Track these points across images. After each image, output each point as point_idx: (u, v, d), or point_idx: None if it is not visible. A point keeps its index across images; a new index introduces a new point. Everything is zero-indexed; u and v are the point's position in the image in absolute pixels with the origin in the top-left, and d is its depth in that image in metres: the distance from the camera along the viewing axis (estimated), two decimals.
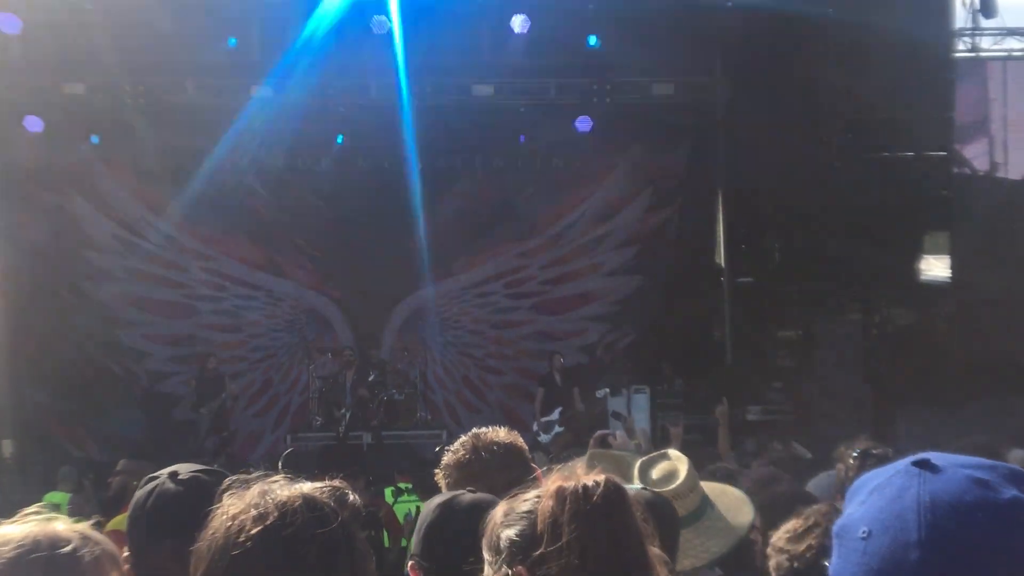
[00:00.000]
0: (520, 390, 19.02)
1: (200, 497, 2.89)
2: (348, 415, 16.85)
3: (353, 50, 16.90)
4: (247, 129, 18.21)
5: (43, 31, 16.09)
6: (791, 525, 3.31)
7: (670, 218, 19.14)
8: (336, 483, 2.12)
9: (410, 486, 11.70)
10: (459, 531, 2.85)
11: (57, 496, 11.10)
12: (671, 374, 17.60)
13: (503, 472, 3.45)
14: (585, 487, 2.22)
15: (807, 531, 3.23)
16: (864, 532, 1.50)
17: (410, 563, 2.95)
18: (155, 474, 3.10)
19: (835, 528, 1.57)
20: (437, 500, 3.06)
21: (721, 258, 18.17)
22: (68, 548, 2.27)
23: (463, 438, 3.64)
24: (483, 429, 3.67)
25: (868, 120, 15.52)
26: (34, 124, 17.28)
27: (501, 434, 3.64)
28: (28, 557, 2.19)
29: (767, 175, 16.88)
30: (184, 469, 3.12)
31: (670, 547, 2.56)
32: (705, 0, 15.79)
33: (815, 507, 3.43)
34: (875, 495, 1.53)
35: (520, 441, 3.67)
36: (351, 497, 2.10)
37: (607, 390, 15.95)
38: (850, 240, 15.10)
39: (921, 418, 13.54)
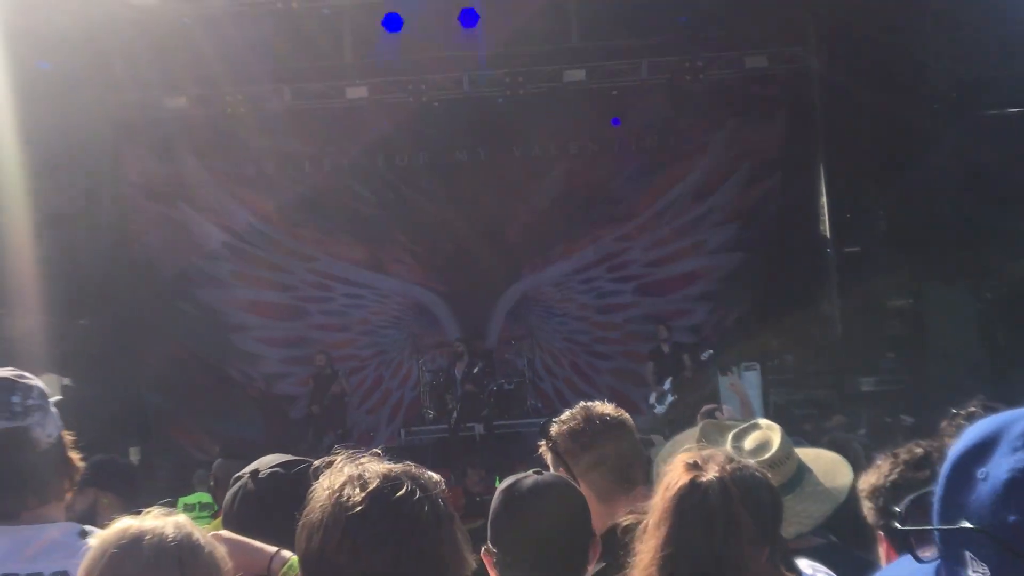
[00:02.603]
0: (629, 373, 18.96)
1: (279, 492, 2.95)
2: (458, 407, 16.99)
3: (443, 43, 17.00)
4: (345, 130, 18.50)
5: (143, 47, 16.50)
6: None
7: (771, 191, 18.89)
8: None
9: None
10: (522, 516, 2.87)
11: (206, 496, 11.33)
12: (780, 349, 17.37)
13: (613, 443, 3.47)
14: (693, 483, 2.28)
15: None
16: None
17: (482, 550, 2.96)
18: (240, 473, 3.16)
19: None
20: (502, 486, 3.05)
21: (826, 228, 17.85)
22: (199, 540, 2.37)
23: (572, 409, 3.64)
24: (592, 402, 3.69)
25: (973, 78, 15.07)
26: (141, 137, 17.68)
27: (609, 408, 3.66)
28: (164, 546, 2.28)
29: (869, 141, 16.52)
30: (265, 464, 3.14)
31: (773, 520, 2.56)
32: None
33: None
34: None
35: (627, 416, 3.67)
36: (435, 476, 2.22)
37: (711, 351, 15.82)
38: (960, 202, 14.70)
39: None
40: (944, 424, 4.20)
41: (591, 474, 3.45)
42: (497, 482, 10.06)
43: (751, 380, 15.83)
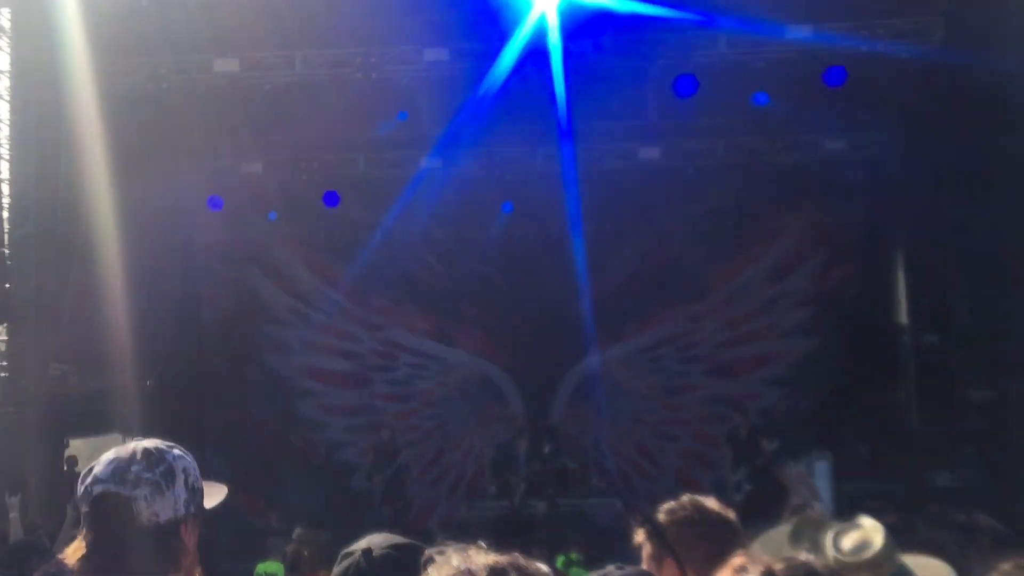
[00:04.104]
0: (697, 455, 18.61)
1: (394, 574, 2.87)
2: (524, 484, 16.75)
3: (519, 116, 17.04)
4: (417, 200, 18.56)
5: (219, 114, 16.74)
6: None
7: (848, 277, 18.56)
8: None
9: (580, 557, 11.49)
10: None
11: (273, 566, 11.25)
12: (854, 439, 16.93)
13: (723, 540, 3.32)
14: None
15: None
16: None
17: None
18: (350, 550, 3.15)
19: None
20: None
21: (904, 316, 17.45)
22: None
23: (681, 499, 3.55)
24: (699, 496, 3.60)
25: None
26: (215, 203, 17.96)
27: (717, 505, 3.58)
28: None
29: (949, 229, 16.19)
30: (377, 545, 3.15)
31: None
32: (876, 55, 15.33)
33: None
34: None
35: (734, 517, 3.51)
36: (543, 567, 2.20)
37: (777, 442, 15.48)
38: None
39: None
40: None
41: (706, 568, 3.28)
42: (559, 563, 9.73)
43: (822, 470, 15.43)
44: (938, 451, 16.27)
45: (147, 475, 2.74)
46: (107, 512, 2.70)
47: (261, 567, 10.54)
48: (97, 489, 2.73)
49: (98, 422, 15.48)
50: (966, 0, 15.02)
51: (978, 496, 13.91)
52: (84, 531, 2.74)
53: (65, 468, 15.31)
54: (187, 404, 17.05)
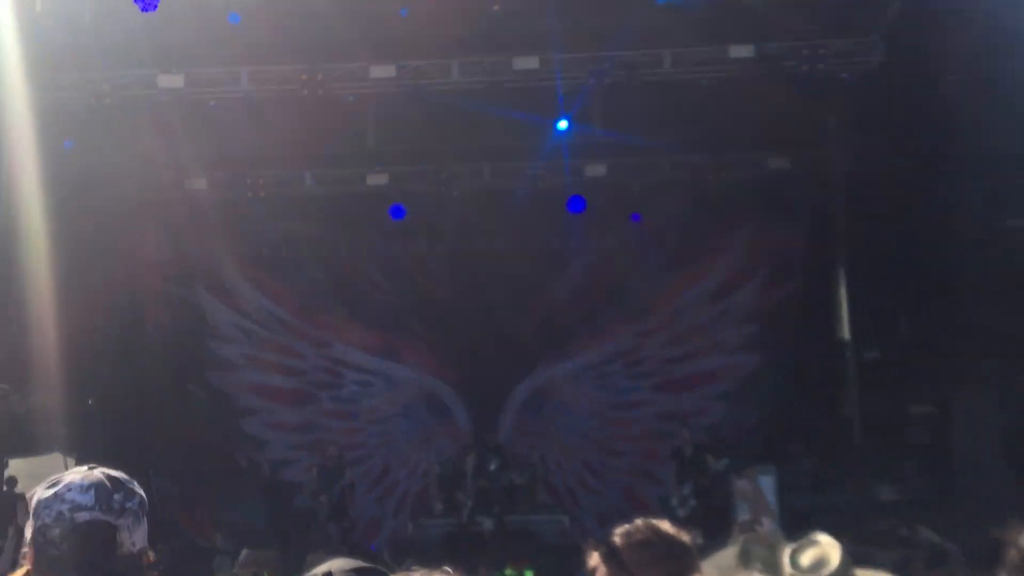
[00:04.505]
0: (643, 471, 18.67)
1: None
2: (471, 502, 16.69)
3: (469, 134, 17.08)
4: (363, 216, 18.52)
5: (167, 129, 16.60)
6: None
7: (792, 293, 18.75)
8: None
9: (515, 573, 11.49)
10: None
11: None
12: (799, 454, 17.08)
13: (679, 563, 3.33)
14: None
15: None
16: None
17: None
18: (313, 573, 3.04)
19: None
20: None
21: (846, 332, 17.66)
22: None
23: (636, 523, 3.53)
24: (653, 519, 3.58)
25: (996, 186, 15.02)
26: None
27: (671, 527, 3.56)
28: None
29: (890, 246, 16.44)
30: (339, 568, 3.09)
31: None
32: (819, 72, 15.56)
33: None
34: None
35: (689, 539, 3.54)
36: None
37: (727, 460, 15.59)
38: (984, 309, 14.53)
39: None
40: (1012, 534, 3.97)
41: None
42: None
43: (767, 485, 15.53)
44: (881, 465, 16.45)
45: (129, 504, 2.79)
46: (94, 540, 2.70)
47: None
48: (82, 516, 2.72)
49: (39, 442, 15.26)
50: (906, 22, 15.27)
51: (921, 509, 14.09)
52: (38, 556, 2.72)
53: (4, 488, 15.05)
54: (129, 422, 16.83)
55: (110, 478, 2.80)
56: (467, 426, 18.86)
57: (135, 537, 2.78)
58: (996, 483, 13.65)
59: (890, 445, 16.46)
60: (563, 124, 16.68)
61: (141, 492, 2.84)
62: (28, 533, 2.80)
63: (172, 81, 15.70)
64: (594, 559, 3.48)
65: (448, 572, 2.13)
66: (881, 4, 15.43)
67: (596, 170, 17.77)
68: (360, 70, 15.87)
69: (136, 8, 11.13)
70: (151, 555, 2.85)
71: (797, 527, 3.94)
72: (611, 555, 3.44)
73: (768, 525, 6.85)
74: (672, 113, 16.61)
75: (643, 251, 19.20)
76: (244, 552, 10.56)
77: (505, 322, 19.02)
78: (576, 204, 18.15)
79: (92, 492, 2.75)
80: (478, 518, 16.51)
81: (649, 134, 17.04)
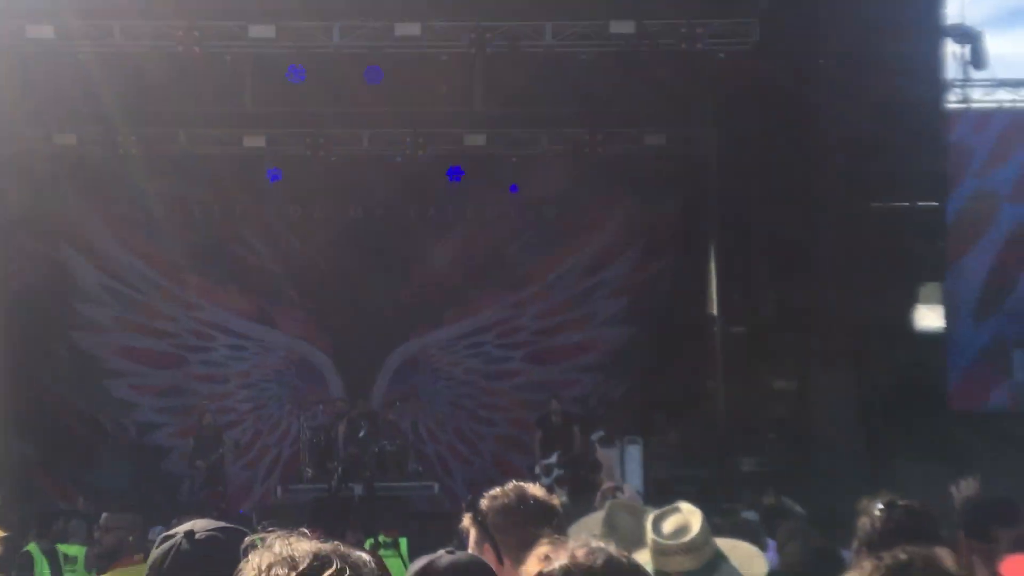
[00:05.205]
0: (513, 441, 18.86)
1: (218, 557, 2.86)
2: (340, 468, 16.65)
3: (346, 97, 16.93)
4: (239, 178, 18.25)
5: (35, 82, 16.10)
6: None
7: (664, 268, 19.11)
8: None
9: (390, 540, 11.54)
10: None
11: (73, 549, 10.84)
12: (665, 425, 17.47)
13: (541, 527, 3.41)
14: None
15: None
16: None
17: None
18: (170, 532, 3.13)
19: None
20: (417, 565, 3.00)
21: (714, 308, 18.09)
22: None
23: (506, 486, 3.63)
24: (523, 483, 3.68)
25: (862, 171, 15.54)
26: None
27: (541, 491, 3.66)
28: None
29: (760, 225, 16.88)
30: (200, 527, 3.11)
31: None
32: (697, 51, 15.84)
33: None
34: None
35: (557, 502, 3.65)
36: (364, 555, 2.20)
37: (602, 433, 15.86)
38: (844, 290, 15.05)
39: (918, 471, 13.40)
40: (864, 502, 4.19)
41: (521, 553, 3.37)
42: (367, 544, 9.75)
43: (634, 454, 15.88)
44: (744, 437, 16.94)
45: None
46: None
47: (62, 548, 10.21)
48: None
49: None
50: (782, 4, 15.64)
51: (781, 480, 14.59)
52: None
53: None
54: None
55: None
56: (339, 393, 18.78)
57: None
58: (850, 457, 14.19)
59: (752, 419, 16.96)
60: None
61: None
62: None
63: (41, 31, 15.21)
64: (466, 520, 3.58)
65: (306, 534, 2.16)
66: None
67: (475, 139, 17.83)
68: (239, 29, 15.59)
69: None
70: None
71: (662, 497, 4.09)
72: (476, 517, 3.53)
73: (629, 492, 7.01)
74: (552, 86, 16.72)
75: (520, 222, 19.33)
76: (105, 516, 10.35)
77: (381, 289, 18.97)
78: (455, 173, 18.19)
79: None
80: (348, 484, 16.50)
81: (528, 106, 17.14)
